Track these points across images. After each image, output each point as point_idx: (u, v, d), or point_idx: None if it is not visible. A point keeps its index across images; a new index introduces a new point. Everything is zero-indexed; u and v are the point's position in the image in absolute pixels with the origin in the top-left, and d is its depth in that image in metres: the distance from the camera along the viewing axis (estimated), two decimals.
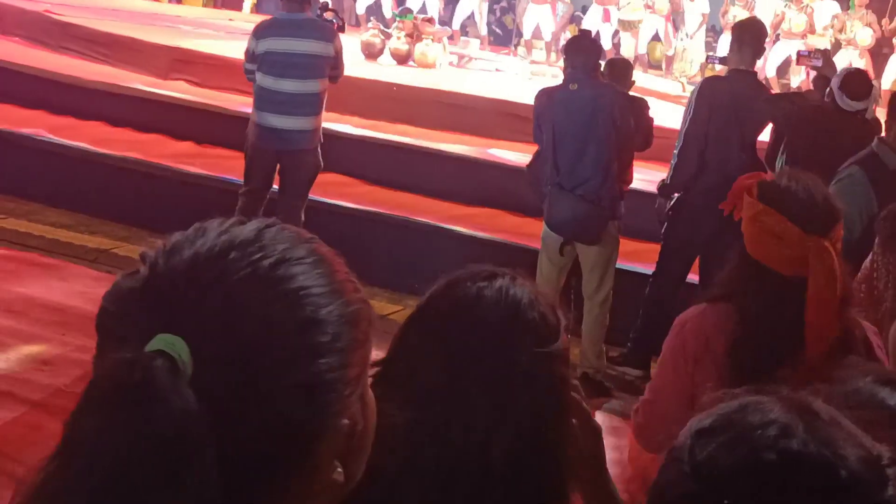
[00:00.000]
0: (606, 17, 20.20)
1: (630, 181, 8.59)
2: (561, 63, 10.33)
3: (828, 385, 1.99)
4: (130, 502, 1.18)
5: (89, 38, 15.52)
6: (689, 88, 13.82)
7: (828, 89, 8.07)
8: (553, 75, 15.53)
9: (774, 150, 8.40)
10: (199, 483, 1.19)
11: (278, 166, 9.10)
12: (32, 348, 7.22)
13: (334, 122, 11.30)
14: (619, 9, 20.13)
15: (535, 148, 8.30)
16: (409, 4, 18.85)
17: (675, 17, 20.37)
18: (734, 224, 3.67)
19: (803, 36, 18.36)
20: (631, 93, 8.89)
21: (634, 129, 8.11)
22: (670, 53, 20.51)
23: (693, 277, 8.20)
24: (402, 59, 16.89)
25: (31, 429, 6.06)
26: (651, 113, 8.82)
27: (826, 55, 10.88)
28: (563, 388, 2.25)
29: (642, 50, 20.29)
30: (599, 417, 2.22)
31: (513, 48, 21.22)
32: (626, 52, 19.32)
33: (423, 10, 19.65)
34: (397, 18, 17.55)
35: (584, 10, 21.13)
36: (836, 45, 18.19)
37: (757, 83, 8.58)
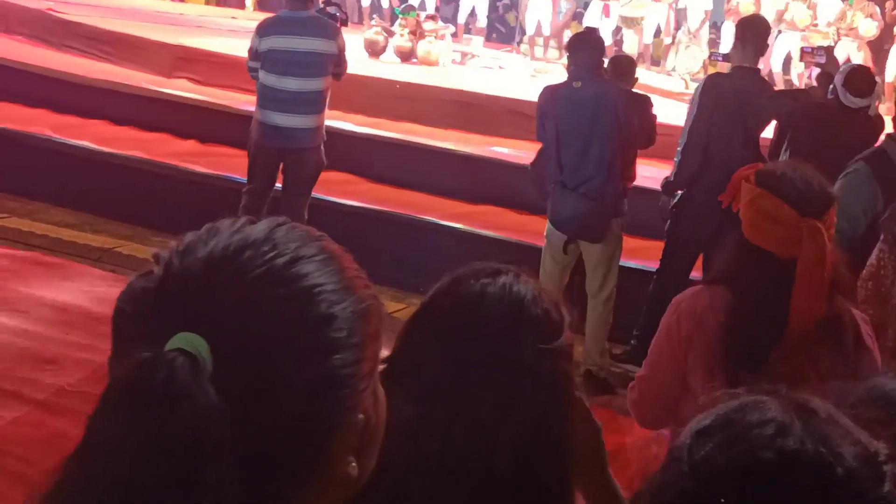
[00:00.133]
0: (606, 11, 20.16)
1: (633, 178, 8.59)
2: (564, 60, 10.33)
3: (847, 382, 2.01)
4: (155, 501, 1.19)
5: (92, 37, 15.53)
6: (693, 85, 13.81)
7: (831, 86, 8.07)
8: (557, 73, 15.51)
9: (778, 147, 8.41)
10: (222, 479, 1.21)
11: (282, 164, 9.10)
12: (36, 348, 7.22)
13: (338, 120, 11.30)
14: (621, 5, 20.10)
15: (538, 146, 8.29)
16: (410, 1, 18.81)
17: (677, 13, 20.34)
18: (737, 220, 3.75)
19: (807, 30, 18.33)
20: (634, 90, 8.89)
21: (638, 127, 8.11)
22: (667, 42, 20.52)
23: (697, 274, 8.20)
24: (406, 56, 16.86)
25: (35, 427, 6.07)
26: (654, 110, 8.83)
27: (829, 52, 10.90)
28: (566, 385, 2.26)
29: (647, 41, 20.24)
30: (602, 415, 2.23)
31: (516, 45, 21.19)
32: (629, 48, 19.29)
33: (422, 6, 19.64)
34: (400, 16, 17.52)
35: (586, 6, 21.10)
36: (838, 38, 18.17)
37: (760, 80, 8.59)
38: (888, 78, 17.33)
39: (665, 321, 3.85)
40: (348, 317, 1.34)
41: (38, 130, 11.75)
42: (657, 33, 20.42)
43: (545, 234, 8.13)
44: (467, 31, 20.66)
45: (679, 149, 8.27)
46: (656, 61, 20.65)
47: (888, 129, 7.96)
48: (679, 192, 8.29)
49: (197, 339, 1.25)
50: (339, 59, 9.06)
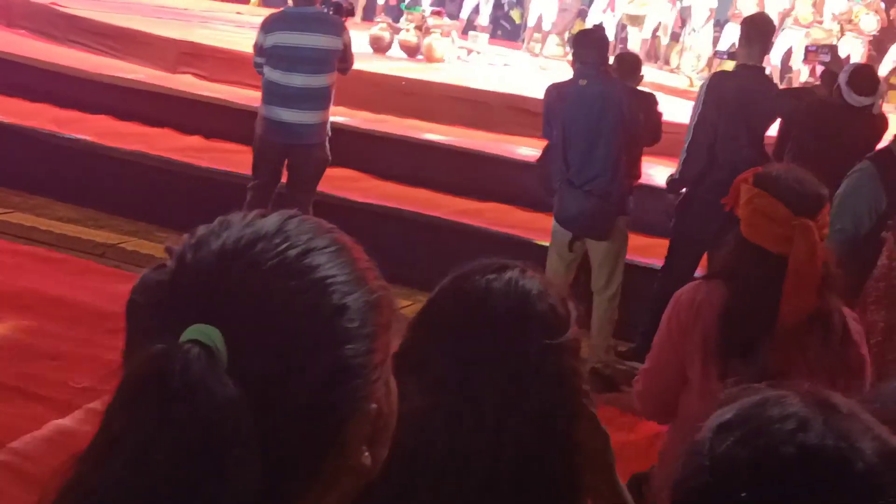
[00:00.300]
0: (612, 5, 20.15)
1: (639, 176, 8.59)
2: (569, 57, 10.34)
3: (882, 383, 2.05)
4: (177, 493, 1.19)
5: (96, 31, 15.52)
6: (697, 83, 13.81)
7: (835, 84, 8.06)
8: (562, 70, 15.51)
9: (782, 146, 8.42)
10: (245, 470, 1.21)
11: (286, 160, 9.09)
12: (39, 344, 7.21)
13: (343, 117, 11.30)
14: (627, 2, 20.12)
15: (544, 143, 8.29)
16: None
17: (682, 11, 20.36)
18: (739, 219, 3.95)
19: (810, 26, 18.35)
20: (639, 87, 8.89)
21: (643, 125, 8.11)
22: (665, 43, 20.55)
23: (701, 272, 8.18)
24: (412, 51, 16.87)
25: (38, 423, 6.06)
26: (660, 108, 8.83)
27: (833, 50, 10.90)
28: (573, 380, 2.26)
29: (646, 37, 20.26)
30: (607, 412, 2.23)
31: (521, 42, 21.20)
32: (633, 46, 19.30)
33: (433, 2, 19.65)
34: (406, 10, 17.51)
35: (590, 2, 21.12)
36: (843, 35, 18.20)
37: (765, 78, 8.59)
38: (881, 73, 17.34)
39: (666, 314, 4.05)
40: (360, 307, 1.35)
41: (40, 125, 11.73)
42: (656, 30, 20.45)
43: (551, 231, 8.13)
44: (472, 28, 20.65)
45: (684, 147, 8.27)
46: (666, 59, 20.67)
47: (893, 126, 7.98)
48: (684, 189, 8.29)
49: (212, 330, 1.25)
50: (344, 55, 9.06)
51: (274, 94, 8.95)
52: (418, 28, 16.97)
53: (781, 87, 12.85)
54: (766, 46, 8.48)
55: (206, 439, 1.20)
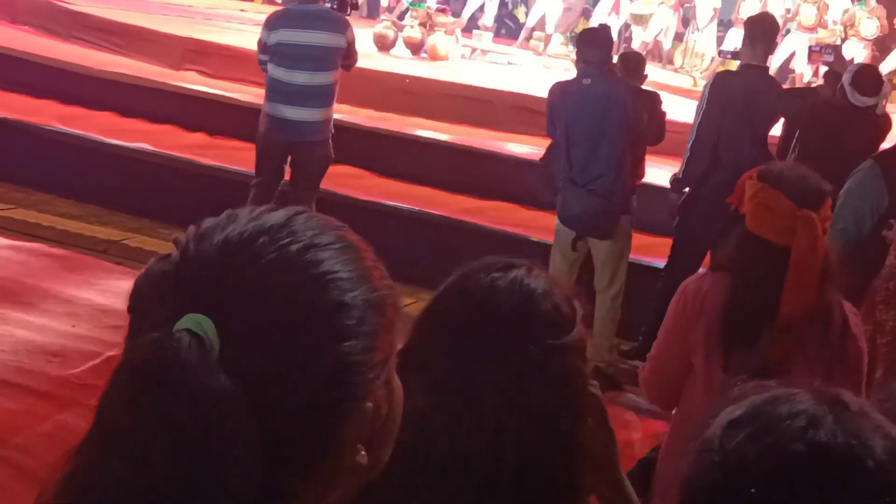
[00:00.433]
0: (616, 8, 20.14)
1: (642, 175, 8.60)
2: (573, 56, 10.33)
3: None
4: (175, 490, 1.19)
5: (101, 28, 15.53)
6: (701, 83, 13.80)
7: (839, 85, 8.06)
8: (565, 69, 15.52)
9: (786, 146, 8.42)
10: (242, 462, 1.21)
11: (289, 158, 9.10)
12: (42, 340, 7.21)
13: (347, 114, 11.29)
14: (631, 1, 20.11)
15: (548, 142, 8.29)
16: None
17: (686, 11, 20.35)
18: (743, 217, 4.06)
19: (814, 30, 18.34)
20: (643, 87, 8.89)
21: (647, 124, 8.10)
22: (668, 47, 20.54)
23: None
24: (416, 47, 16.85)
25: (39, 419, 6.06)
26: (663, 107, 8.82)
27: (837, 51, 10.89)
28: (577, 381, 2.24)
29: (651, 37, 20.26)
30: (609, 410, 2.22)
31: (526, 41, 21.17)
32: (637, 46, 19.28)
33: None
34: (411, 6, 17.50)
35: (595, 2, 21.11)
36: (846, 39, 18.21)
37: (768, 78, 8.59)
38: (884, 71, 17.34)
39: (672, 304, 4.18)
40: (360, 305, 1.34)
41: (44, 121, 11.74)
42: (658, 35, 20.44)
43: (554, 230, 8.13)
44: (476, 26, 20.63)
45: (688, 146, 8.27)
46: (669, 59, 20.66)
47: None
48: (687, 189, 8.28)
49: (204, 319, 1.25)
50: (348, 52, 9.06)
51: (277, 91, 8.95)
52: (423, 24, 16.95)
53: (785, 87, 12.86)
54: (770, 47, 8.49)
55: (201, 432, 1.19)
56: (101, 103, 12.51)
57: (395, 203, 10.43)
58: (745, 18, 9.92)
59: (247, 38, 13.48)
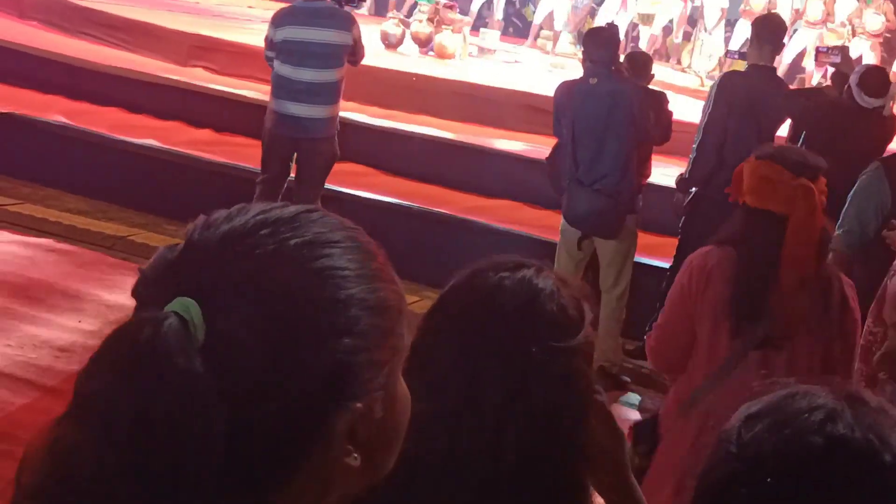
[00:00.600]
0: (624, 6, 20.11)
1: (648, 175, 8.60)
2: (580, 54, 10.32)
3: None
4: (136, 459, 1.19)
5: (108, 24, 15.53)
6: (708, 83, 13.78)
7: (846, 85, 8.05)
8: (575, 69, 15.50)
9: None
10: (204, 450, 1.20)
11: (295, 154, 9.10)
12: (49, 335, 7.22)
13: (353, 112, 11.29)
14: (636, 1, 20.10)
15: (554, 140, 8.29)
16: None
17: (694, 12, 20.33)
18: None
19: (822, 23, 18.32)
20: (650, 86, 8.88)
21: (654, 123, 8.10)
22: (678, 40, 20.52)
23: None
24: (423, 43, 16.82)
25: (45, 414, 6.00)
26: (670, 107, 8.82)
27: (844, 51, 10.86)
28: (580, 383, 2.22)
29: (656, 33, 20.23)
30: (614, 411, 2.21)
31: (534, 40, 21.16)
32: (644, 45, 19.27)
33: None
34: (419, 2, 17.49)
35: (601, 1, 21.09)
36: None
37: (775, 79, 8.57)
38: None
39: (679, 277, 4.41)
40: (357, 304, 1.33)
41: (52, 117, 11.75)
42: (668, 31, 20.41)
43: (560, 229, 8.13)
44: (483, 24, 20.61)
45: (694, 146, 8.26)
46: (677, 53, 20.63)
47: None
48: (694, 189, 8.27)
49: (192, 304, 1.24)
50: (354, 49, 9.06)
51: (283, 88, 8.96)
52: (430, 20, 16.94)
53: (792, 87, 12.84)
54: (777, 47, 8.46)
55: (163, 411, 1.19)
56: (109, 99, 12.53)
57: (400, 201, 10.43)
58: (753, 13, 9.92)
59: (254, 35, 13.48)
